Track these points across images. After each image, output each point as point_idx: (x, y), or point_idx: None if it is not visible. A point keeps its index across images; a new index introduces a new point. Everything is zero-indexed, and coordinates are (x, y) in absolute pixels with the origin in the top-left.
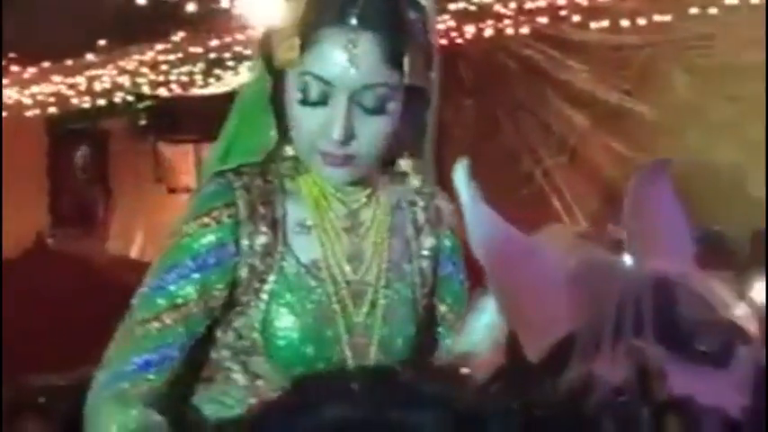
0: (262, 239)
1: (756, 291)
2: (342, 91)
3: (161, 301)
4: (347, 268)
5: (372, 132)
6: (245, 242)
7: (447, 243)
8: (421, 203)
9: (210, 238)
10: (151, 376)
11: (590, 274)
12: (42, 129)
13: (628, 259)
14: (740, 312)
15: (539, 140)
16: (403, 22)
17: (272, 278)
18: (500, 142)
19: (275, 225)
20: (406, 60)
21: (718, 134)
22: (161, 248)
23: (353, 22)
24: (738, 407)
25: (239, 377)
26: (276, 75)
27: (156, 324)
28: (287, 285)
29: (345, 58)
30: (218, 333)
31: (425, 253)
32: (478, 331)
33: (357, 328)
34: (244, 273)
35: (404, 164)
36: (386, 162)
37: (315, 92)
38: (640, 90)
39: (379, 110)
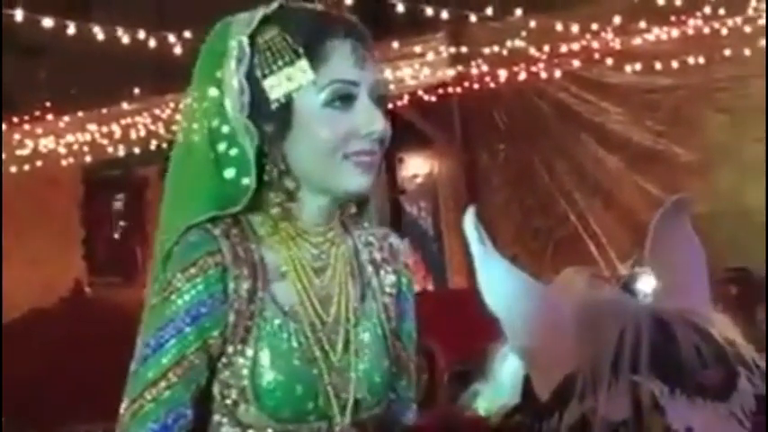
0: (245, 285)
1: None
2: (363, 88)
3: (164, 360)
4: (320, 310)
5: (387, 125)
6: (231, 287)
7: (404, 281)
8: (376, 243)
9: (200, 288)
10: None
11: (591, 314)
12: (78, 177)
13: (628, 297)
14: (743, 346)
15: (573, 183)
16: (367, 37)
17: (255, 324)
18: (535, 185)
19: (255, 270)
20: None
21: (750, 175)
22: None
23: (343, 33)
24: None
25: (228, 429)
26: (266, 114)
27: (163, 383)
28: (270, 331)
29: (360, 59)
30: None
31: (388, 290)
32: (506, 377)
33: (335, 368)
34: (231, 318)
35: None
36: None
37: (342, 95)
38: (674, 132)
39: (384, 105)
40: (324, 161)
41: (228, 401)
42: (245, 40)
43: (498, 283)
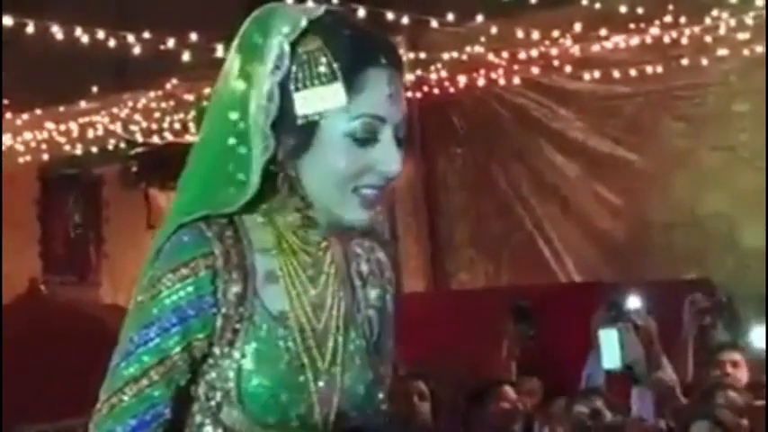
0: (235, 288)
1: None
2: (389, 126)
3: (146, 358)
4: (312, 317)
5: (402, 165)
6: (220, 291)
7: (388, 296)
8: (363, 255)
9: (189, 289)
10: None
11: None
12: (34, 175)
13: None
14: None
15: (530, 189)
16: (402, 63)
17: (243, 328)
18: (492, 190)
19: (246, 275)
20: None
21: (707, 183)
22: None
23: (385, 61)
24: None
25: (210, 430)
26: (289, 127)
27: (144, 381)
28: (258, 335)
29: (394, 92)
30: (190, 388)
31: (373, 303)
32: None
33: (322, 376)
34: (219, 322)
35: None
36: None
37: (368, 131)
38: (631, 139)
39: (403, 142)
40: (333, 190)
41: (213, 403)
42: (287, 48)
43: None
